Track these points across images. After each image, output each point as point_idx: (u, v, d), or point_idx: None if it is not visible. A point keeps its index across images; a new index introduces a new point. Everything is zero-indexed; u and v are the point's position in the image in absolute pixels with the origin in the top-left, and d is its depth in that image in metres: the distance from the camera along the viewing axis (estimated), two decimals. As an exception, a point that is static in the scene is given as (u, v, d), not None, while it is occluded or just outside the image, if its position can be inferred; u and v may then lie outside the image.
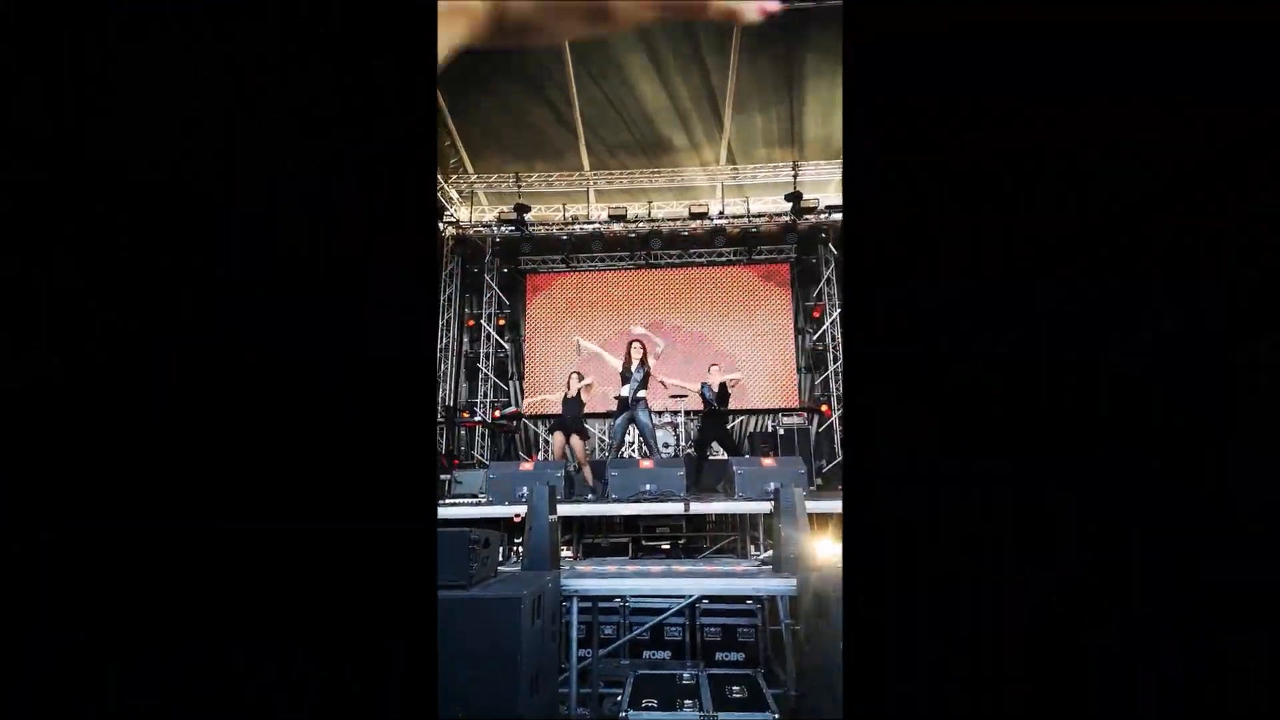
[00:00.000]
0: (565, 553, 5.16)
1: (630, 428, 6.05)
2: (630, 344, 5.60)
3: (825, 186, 8.99)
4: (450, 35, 0.81)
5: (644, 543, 5.63)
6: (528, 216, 9.00)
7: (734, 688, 3.32)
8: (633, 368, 5.53)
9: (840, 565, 1.95)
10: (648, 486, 4.84)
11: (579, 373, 5.74)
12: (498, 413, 8.45)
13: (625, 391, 5.54)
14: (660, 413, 7.89)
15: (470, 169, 9.04)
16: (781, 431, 7.78)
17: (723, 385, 5.83)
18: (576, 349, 5.71)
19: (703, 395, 5.84)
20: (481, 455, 8.85)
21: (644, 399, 5.57)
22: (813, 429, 8.26)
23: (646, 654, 4.17)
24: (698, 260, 9.49)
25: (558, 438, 5.48)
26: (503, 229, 9.15)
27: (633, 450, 7.67)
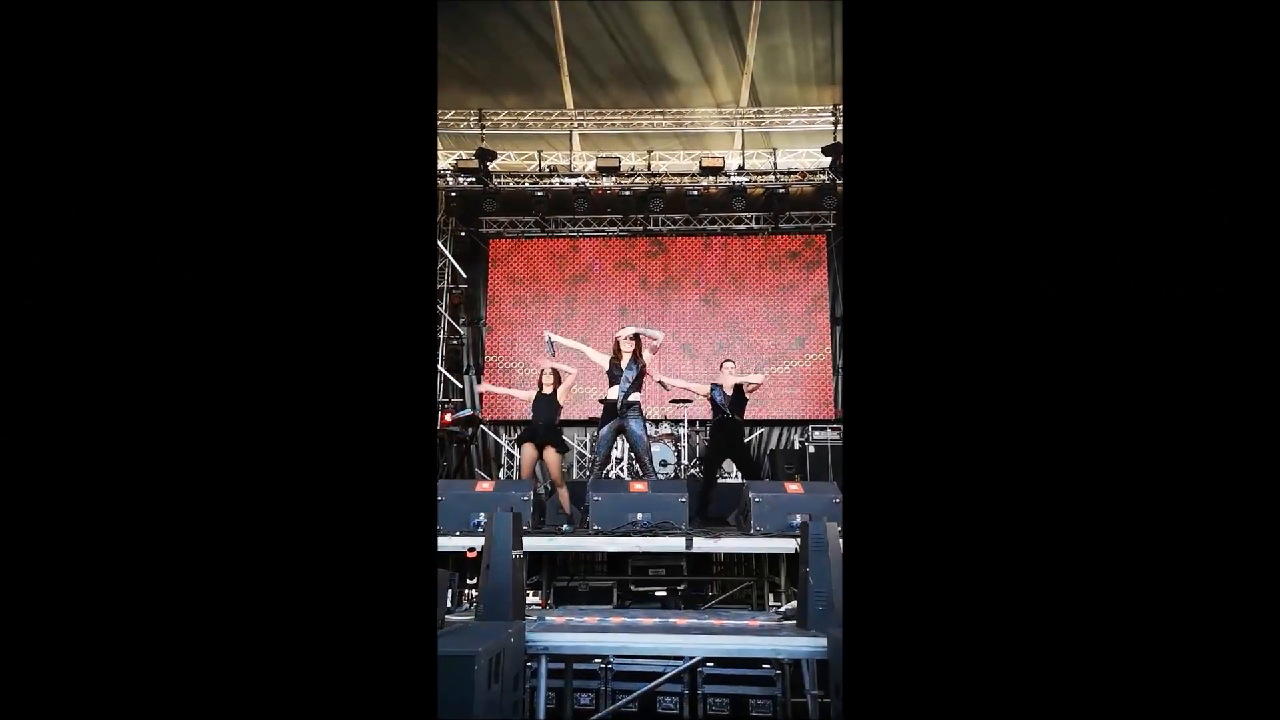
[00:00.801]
0: (532, 599, 5.15)
1: (619, 440, 6.03)
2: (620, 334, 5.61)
3: (874, 137, 8.98)
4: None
5: (633, 588, 5.63)
6: (492, 166, 8.96)
7: (745, 776, 3.32)
8: (623, 364, 5.51)
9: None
10: (639, 516, 4.83)
11: (554, 367, 5.68)
12: (449, 417, 8.42)
13: (614, 394, 5.51)
14: (657, 422, 7.89)
15: (420, 103, 8.99)
16: (811, 449, 7.81)
17: (738, 388, 5.81)
18: (548, 347, 5.65)
19: (713, 400, 5.82)
20: (427, 471, 8.81)
21: (637, 404, 5.55)
22: (851, 446, 8.28)
23: (633, 730, 4.16)
24: (709, 228, 9.48)
25: (527, 450, 5.44)
26: (460, 180, 9.11)
27: (620, 469, 7.67)
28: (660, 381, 5.86)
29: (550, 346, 5.66)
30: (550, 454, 5.37)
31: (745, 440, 6.36)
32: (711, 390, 5.85)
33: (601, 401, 5.65)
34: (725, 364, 5.99)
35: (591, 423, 8.08)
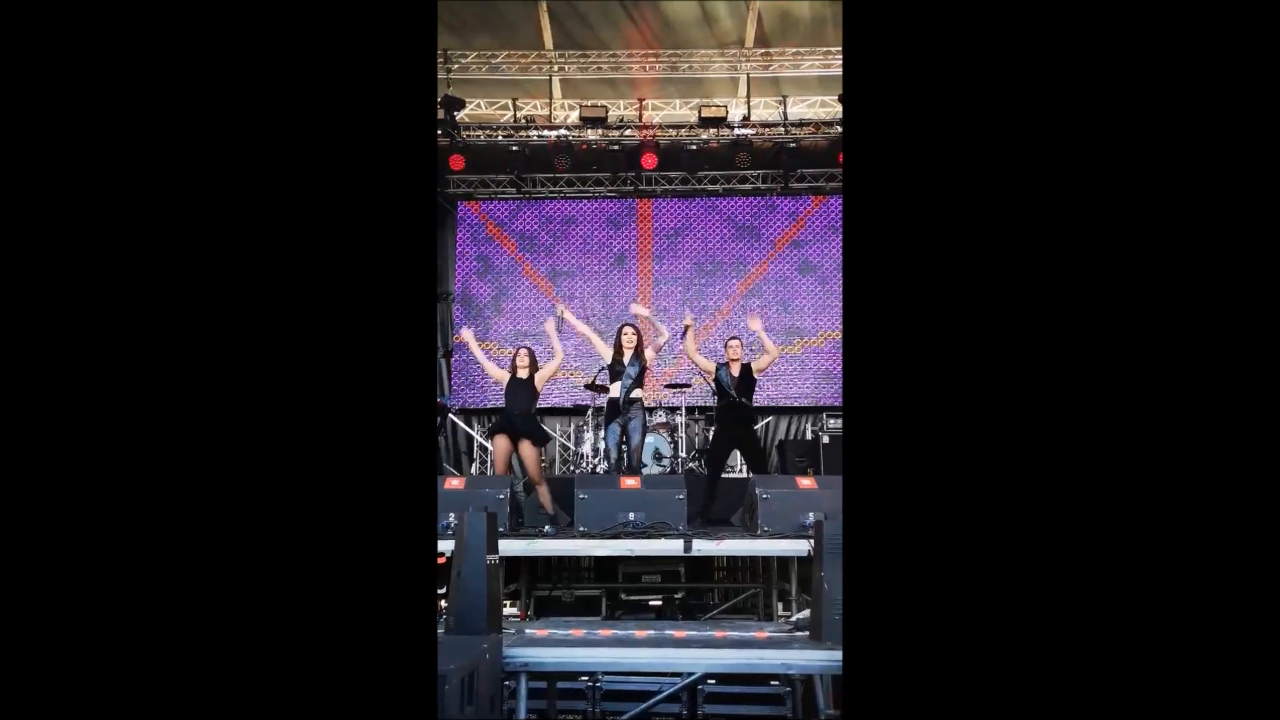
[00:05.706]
0: (510, 610, 5.18)
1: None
2: (622, 328, 5.85)
3: (899, 83, 8.97)
4: None
5: (624, 597, 5.66)
6: (460, 116, 8.90)
7: (751, 806, 3.37)
8: (625, 360, 5.72)
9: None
10: (631, 516, 4.86)
11: (528, 348, 5.72)
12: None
13: (616, 391, 5.73)
14: (651, 409, 7.91)
15: (376, 43, 8.91)
16: (826, 439, 7.84)
17: (746, 368, 5.84)
18: (556, 322, 5.87)
19: (718, 382, 5.86)
20: (388, 467, 8.82)
21: (639, 400, 5.78)
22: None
23: (626, 756, 4.20)
24: (710, 188, 9.46)
25: (499, 443, 5.48)
26: (423, 134, 9.04)
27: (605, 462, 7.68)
28: (687, 326, 5.96)
29: (558, 323, 5.86)
30: (526, 448, 5.39)
31: (755, 428, 6.38)
32: (718, 371, 5.90)
33: (597, 386, 5.71)
34: (730, 341, 6.02)
35: (576, 411, 8.13)
